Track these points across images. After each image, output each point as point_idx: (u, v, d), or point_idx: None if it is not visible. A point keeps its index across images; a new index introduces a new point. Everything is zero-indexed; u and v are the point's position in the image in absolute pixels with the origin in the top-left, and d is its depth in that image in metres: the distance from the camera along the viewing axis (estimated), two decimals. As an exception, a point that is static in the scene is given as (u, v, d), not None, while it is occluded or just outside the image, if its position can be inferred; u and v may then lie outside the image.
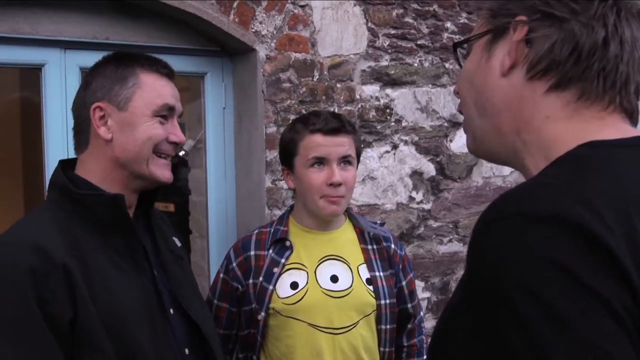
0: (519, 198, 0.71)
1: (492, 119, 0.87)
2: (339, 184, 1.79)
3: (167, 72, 1.43)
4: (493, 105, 0.87)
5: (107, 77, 1.38)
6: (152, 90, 1.38)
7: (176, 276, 1.46)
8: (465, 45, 0.95)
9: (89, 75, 1.42)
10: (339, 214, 1.87)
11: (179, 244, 1.60)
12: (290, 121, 2.11)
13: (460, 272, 2.95)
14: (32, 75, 2.46)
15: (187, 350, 1.40)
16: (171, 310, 1.40)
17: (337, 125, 1.80)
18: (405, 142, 2.78)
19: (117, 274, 1.30)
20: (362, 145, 1.98)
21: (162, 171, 1.40)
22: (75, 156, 1.43)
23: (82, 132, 1.40)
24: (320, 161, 1.81)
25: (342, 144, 1.81)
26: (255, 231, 1.93)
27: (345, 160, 1.82)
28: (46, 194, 1.43)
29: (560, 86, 0.81)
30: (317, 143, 1.80)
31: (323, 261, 1.84)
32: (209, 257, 2.57)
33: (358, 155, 1.89)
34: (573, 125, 0.80)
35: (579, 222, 0.64)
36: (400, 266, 1.96)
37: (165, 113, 1.39)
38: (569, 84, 0.80)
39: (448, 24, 2.86)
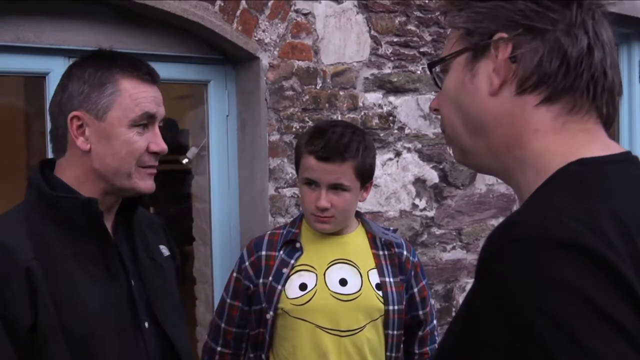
0: (529, 221, 0.71)
1: (485, 138, 0.86)
2: (325, 209, 1.79)
3: (149, 78, 1.34)
4: (483, 125, 0.85)
5: (86, 81, 1.29)
6: (131, 98, 1.29)
7: (155, 287, 1.39)
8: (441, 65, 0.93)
9: (66, 77, 1.33)
10: (331, 231, 1.87)
11: (166, 253, 1.52)
12: (295, 129, 2.10)
13: (463, 280, 2.94)
14: (36, 83, 2.47)
15: None
16: (146, 323, 1.33)
17: (327, 155, 1.77)
18: (409, 150, 2.78)
19: (88, 281, 1.24)
20: (372, 164, 1.89)
21: (144, 182, 1.33)
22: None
23: (59, 139, 1.33)
24: (313, 182, 1.81)
25: (333, 172, 1.78)
26: (269, 232, 1.97)
27: (336, 186, 1.80)
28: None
29: (551, 99, 0.80)
30: (310, 166, 1.80)
31: (332, 264, 1.86)
32: (212, 265, 2.56)
33: (363, 177, 1.84)
34: (560, 139, 0.80)
35: (590, 248, 0.64)
36: (413, 273, 1.96)
37: (144, 122, 1.32)
38: (560, 97, 0.80)
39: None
